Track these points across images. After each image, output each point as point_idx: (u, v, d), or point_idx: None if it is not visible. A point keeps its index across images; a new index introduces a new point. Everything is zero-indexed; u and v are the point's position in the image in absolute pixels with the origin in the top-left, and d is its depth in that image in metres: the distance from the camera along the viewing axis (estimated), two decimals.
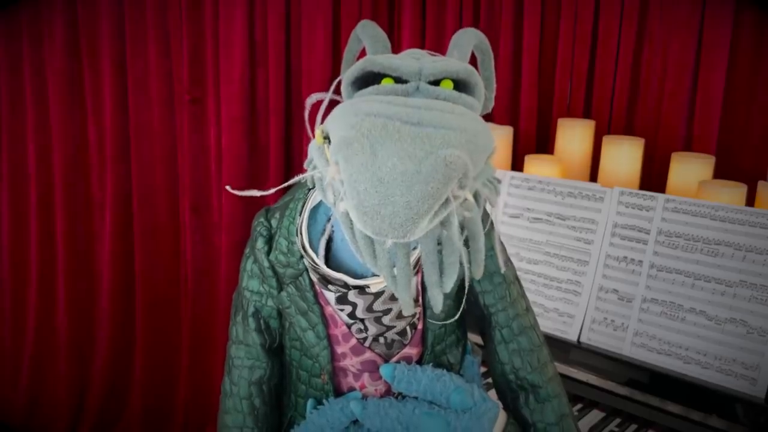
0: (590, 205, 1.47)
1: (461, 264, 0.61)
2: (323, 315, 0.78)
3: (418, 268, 0.74)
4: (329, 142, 0.60)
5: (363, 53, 0.71)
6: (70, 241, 2.61)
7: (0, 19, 2.51)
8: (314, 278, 0.76)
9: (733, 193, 1.39)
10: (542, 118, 1.83)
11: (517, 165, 1.77)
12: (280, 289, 0.80)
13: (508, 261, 0.80)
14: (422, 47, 1.92)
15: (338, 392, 0.82)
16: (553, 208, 1.51)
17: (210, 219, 2.43)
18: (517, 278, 0.85)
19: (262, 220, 0.81)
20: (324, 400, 0.81)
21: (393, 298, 0.75)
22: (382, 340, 0.78)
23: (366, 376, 0.80)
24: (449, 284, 0.61)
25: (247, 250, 0.83)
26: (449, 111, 0.59)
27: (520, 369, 0.81)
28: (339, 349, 0.79)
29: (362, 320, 0.77)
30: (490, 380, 0.89)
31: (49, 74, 2.50)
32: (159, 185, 2.48)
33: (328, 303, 0.77)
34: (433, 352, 0.81)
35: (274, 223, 0.80)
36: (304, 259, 0.76)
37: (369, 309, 0.75)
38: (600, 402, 1.41)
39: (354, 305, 0.75)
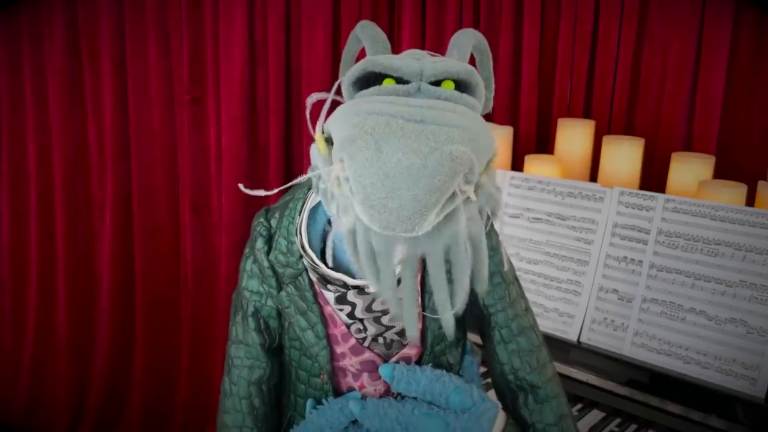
0: (590, 205, 1.47)
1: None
2: (322, 315, 0.78)
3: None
4: (331, 143, 0.60)
5: (362, 53, 0.71)
6: (70, 241, 2.61)
7: (0, 19, 2.51)
8: (313, 278, 0.76)
9: (733, 193, 1.38)
10: (542, 118, 1.82)
11: (517, 165, 1.77)
12: (280, 288, 0.80)
13: (508, 261, 0.80)
14: (422, 47, 1.92)
15: (337, 392, 0.82)
16: (553, 208, 1.51)
17: (210, 219, 2.43)
18: (516, 278, 0.85)
19: (261, 220, 0.81)
20: (323, 400, 0.81)
21: None
22: (381, 340, 0.78)
23: (365, 376, 0.80)
24: (459, 303, 0.61)
25: (246, 250, 0.83)
26: (451, 110, 0.59)
27: (519, 369, 0.81)
28: (338, 349, 0.79)
29: (361, 320, 0.77)
30: (489, 380, 0.89)
31: (49, 74, 2.50)
32: (159, 185, 2.48)
33: (327, 303, 0.77)
34: (432, 353, 0.81)
35: (273, 223, 0.80)
36: (304, 259, 0.76)
37: (368, 309, 0.75)
38: (600, 402, 1.41)
39: (353, 305, 0.75)
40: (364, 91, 0.63)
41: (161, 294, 2.56)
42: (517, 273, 0.87)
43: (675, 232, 1.36)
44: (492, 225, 0.66)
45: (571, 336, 1.44)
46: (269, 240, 0.80)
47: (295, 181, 0.67)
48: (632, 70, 1.68)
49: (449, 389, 0.76)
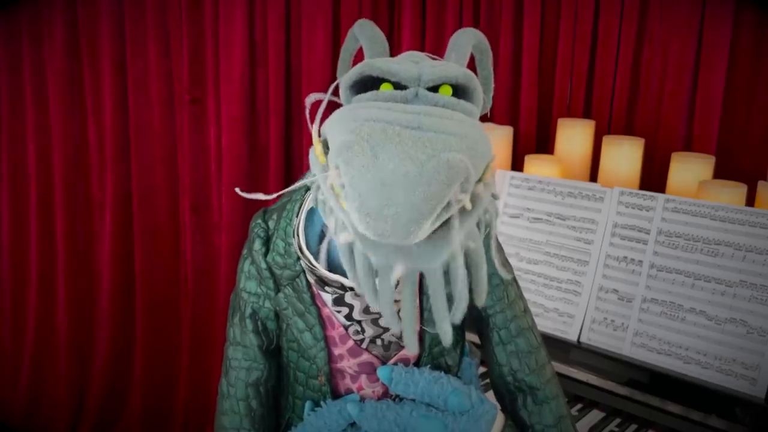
0: (590, 205, 1.47)
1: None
2: (320, 316, 0.78)
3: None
4: (327, 148, 0.60)
5: (360, 52, 0.70)
6: (70, 241, 2.61)
7: (0, 19, 2.51)
8: (311, 280, 0.76)
9: (733, 193, 1.38)
10: (542, 118, 1.82)
11: (517, 165, 1.77)
12: (278, 290, 0.80)
13: (506, 263, 0.80)
14: (422, 47, 1.92)
15: (336, 394, 0.82)
16: (553, 208, 1.51)
17: (210, 219, 2.43)
18: (515, 279, 0.85)
19: (259, 221, 0.81)
20: (321, 402, 0.80)
21: None
22: (379, 341, 0.78)
23: (363, 377, 0.80)
24: (458, 317, 0.60)
25: (244, 252, 0.83)
26: (448, 117, 0.58)
27: (518, 371, 0.81)
28: (336, 351, 0.79)
29: (359, 322, 0.76)
30: (487, 381, 0.89)
31: (49, 74, 2.50)
32: (159, 185, 2.48)
33: (325, 304, 0.77)
34: (430, 354, 0.80)
35: (271, 224, 0.80)
36: (301, 261, 0.75)
37: (366, 311, 0.75)
38: (600, 402, 1.40)
39: (351, 307, 0.75)
40: (361, 96, 0.63)
41: (161, 294, 2.56)
42: (517, 273, 0.87)
43: (675, 232, 1.36)
44: (489, 233, 0.66)
45: (571, 336, 1.43)
46: (267, 241, 0.79)
47: (292, 187, 0.66)
48: (632, 70, 1.67)
49: (448, 391, 0.76)
